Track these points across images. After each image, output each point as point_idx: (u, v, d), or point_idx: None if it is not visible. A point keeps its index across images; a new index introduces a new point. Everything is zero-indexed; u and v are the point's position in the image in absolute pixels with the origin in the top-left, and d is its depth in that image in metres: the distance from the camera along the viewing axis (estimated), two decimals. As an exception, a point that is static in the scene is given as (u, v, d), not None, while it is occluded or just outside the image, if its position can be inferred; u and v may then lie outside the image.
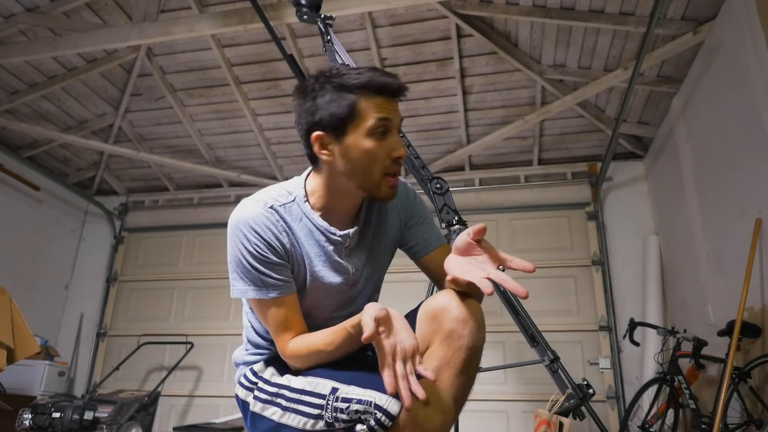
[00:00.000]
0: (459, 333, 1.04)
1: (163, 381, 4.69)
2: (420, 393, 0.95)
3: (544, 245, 4.98)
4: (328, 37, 2.43)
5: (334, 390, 1.06)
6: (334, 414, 1.03)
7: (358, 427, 1.01)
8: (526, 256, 1.03)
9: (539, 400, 4.36)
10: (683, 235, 4.04)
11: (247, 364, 1.28)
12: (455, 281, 1.05)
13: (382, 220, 1.31)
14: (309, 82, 1.15)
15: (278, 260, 1.15)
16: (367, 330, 0.96)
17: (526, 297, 0.91)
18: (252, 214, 1.14)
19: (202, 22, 3.75)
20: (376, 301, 1.38)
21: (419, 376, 0.98)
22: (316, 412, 1.06)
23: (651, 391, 3.62)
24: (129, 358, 5.04)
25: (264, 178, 5.44)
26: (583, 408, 1.75)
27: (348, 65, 1.20)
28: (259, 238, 1.13)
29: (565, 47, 4.06)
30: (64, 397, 4.37)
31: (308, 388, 1.10)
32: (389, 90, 1.12)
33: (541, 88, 4.43)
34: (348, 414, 1.01)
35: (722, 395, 2.70)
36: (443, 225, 1.87)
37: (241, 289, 1.16)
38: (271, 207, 1.16)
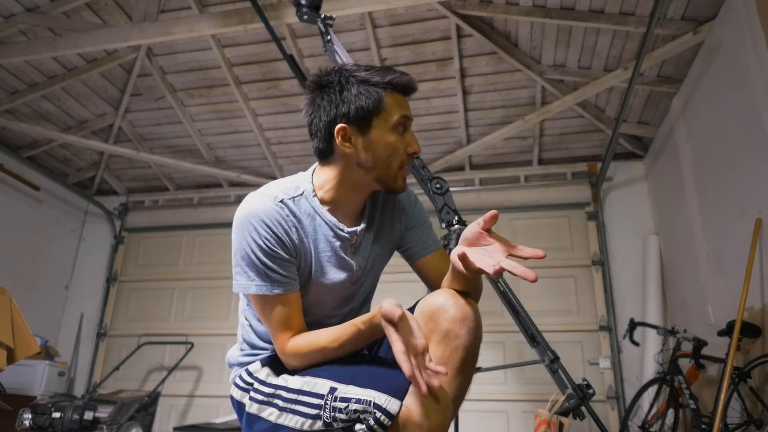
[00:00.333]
0: (456, 333, 1.04)
1: (163, 381, 4.69)
2: (435, 381, 0.96)
3: (544, 245, 4.97)
4: (328, 37, 2.43)
5: (333, 390, 1.05)
6: (332, 414, 1.02)
7: (357, 426, 1.00)
8: (526, 256, 1.02)
9: (539, 400, 4.36)
10: (683, 235, 4.04)
11: (242, 365, 1.26)
12: (464, 258, 1.02)
13: (385, 220, 1.31)
14: (331, 76, 1.17)
15: (286, 256, 1.15)
16: (398, 312, 0.97)
17: (535, 280, 0.90)
18: (263, 207, 1.14)
19: (202, 22, 3.75)
20: (371, 299, 1.38)
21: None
22: (314, 412, 1.05)
23: (651, 391, 3.63)
24: (129, 358, 5.05)
25: (264, 178, 5.43)
26: (583, 408, 1.74)
27: (358, 64, 1.22)
28: (270, 233, 1.13)
29: (565, 47, 4.06)
30: (64, 397, 4.37)
31: (306, 388, 1.09)
32: (409, 89, 1.19)
33: (541, 88, 4.42)
34: (347, 414, 1.00)
35: (722, 395, 2.70)
36: (443, 225, 1.86)
37: (244, 284, 1.15)
38: (282, 201, 1.16)
